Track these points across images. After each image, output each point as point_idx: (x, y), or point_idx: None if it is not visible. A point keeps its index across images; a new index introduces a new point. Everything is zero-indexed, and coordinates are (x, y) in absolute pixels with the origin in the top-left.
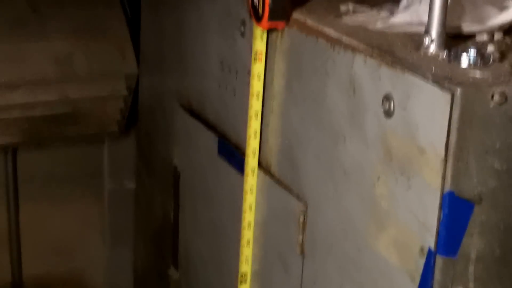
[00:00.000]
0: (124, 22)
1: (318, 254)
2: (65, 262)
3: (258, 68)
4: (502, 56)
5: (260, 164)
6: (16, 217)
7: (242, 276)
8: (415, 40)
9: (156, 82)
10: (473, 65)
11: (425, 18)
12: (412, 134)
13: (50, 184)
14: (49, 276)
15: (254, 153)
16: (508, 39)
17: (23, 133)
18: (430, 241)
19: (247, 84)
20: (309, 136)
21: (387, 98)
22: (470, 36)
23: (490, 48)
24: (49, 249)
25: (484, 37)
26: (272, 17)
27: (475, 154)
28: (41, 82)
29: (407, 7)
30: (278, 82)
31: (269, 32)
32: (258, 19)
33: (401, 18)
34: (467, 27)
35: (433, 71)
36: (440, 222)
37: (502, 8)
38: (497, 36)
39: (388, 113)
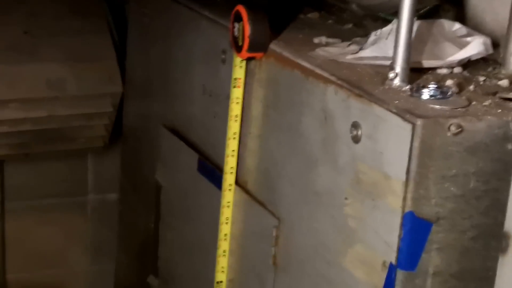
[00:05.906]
0: (112, 47)
1: (290, 268)
2: (49, 273)
3: (237, 93)
4: (460, 90)
5: (237, 182)
6: (2, 228)
7: (218, 283)
8: (381, 73)
9: (141, 103)
10: (433, 98)
11: (390, 53)
12: (377, 160)
13: (36, 196)
14: (33, 286)
15: (232, 171)
16: (466, 73)
17: (11, 147)
18: (392, 257)
19: (227, 108)
20: (284, 159)
21: (354, 126)
22: (432, 69)
23: (449, 82)
24: (33, 260)
25: (444, 71)
26: (251, 48)
27: (434, 179)
28: (32, 100)
29: (375, 42)
30: (256, 108)
31: (248, 60)
32: (238, 49)
33: (369, 52)
34: (429, 62)
35: (396, 104)
36: (400, 239)
37: (461, 45)
38: (457, 70)
39: (356, 140)
